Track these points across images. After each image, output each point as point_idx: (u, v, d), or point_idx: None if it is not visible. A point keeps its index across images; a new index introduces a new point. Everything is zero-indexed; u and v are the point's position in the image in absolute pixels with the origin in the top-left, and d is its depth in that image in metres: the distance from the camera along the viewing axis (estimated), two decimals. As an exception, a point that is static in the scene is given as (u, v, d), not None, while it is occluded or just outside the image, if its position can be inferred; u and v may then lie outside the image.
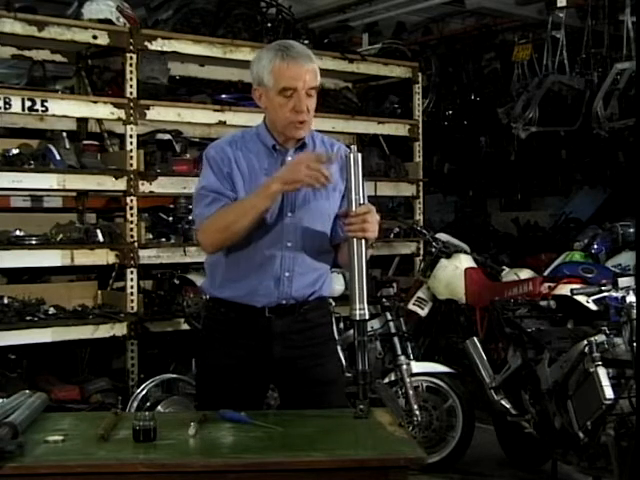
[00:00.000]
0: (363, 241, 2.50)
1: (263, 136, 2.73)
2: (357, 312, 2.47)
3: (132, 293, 5.17)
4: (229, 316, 2.74)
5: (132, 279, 5.17)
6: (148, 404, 4.57)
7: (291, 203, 2.68)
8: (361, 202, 2.50)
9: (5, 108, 4.81)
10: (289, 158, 2.69)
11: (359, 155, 2.50)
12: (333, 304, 4.94)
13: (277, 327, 2.71)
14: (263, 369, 2.73)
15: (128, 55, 5.23)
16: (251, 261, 2.68)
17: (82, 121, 5.53)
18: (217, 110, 5.61)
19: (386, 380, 4.79)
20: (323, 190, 2.67)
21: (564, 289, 4.96)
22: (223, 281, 2.74)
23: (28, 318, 4.83)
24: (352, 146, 2.58)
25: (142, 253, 5.21)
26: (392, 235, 6.56)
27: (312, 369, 2.74)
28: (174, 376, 4.84)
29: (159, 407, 4.52)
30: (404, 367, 4.78)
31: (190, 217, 5.27)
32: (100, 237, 5.11)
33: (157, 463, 2.04)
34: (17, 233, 4.92)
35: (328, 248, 2.78)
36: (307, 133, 2.71)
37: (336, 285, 5.80)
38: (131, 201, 5.19)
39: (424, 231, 6.14)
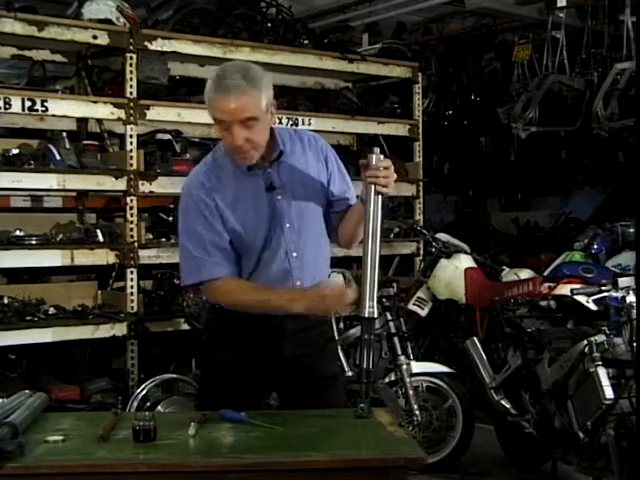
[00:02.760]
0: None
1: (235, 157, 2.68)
2: (366, 309, 2.45)
3: (132, 293, 5.16)
4: (237, 319, 2.69)
5: (132, 279, 5.16)
6: (148, 404, 4.57)
7: (286, 214, 2.66)
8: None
9: (5, 108, 4.81)
10: (269, 170, 2.66)
11: (381, 157, 2.54)
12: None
13: (289, 326, 2.69)
14: (273, 369, 2.71)
15: (128, 55, 5.23)
16: (263, 280, 2.66)
17: (82, 121, 5.53)
18: (217, 110, 5.60)
19: (386, 380, 4.79)
20: (312, 191, 2.69)
21: (564, 289, 4.96)
22: None
23: (28, 318, 4.83)
24: (375, 148, 2.58)
25: (142, 253, 5.20)
26: (392, 235, 6.56)
27: (317, 365, 2.74)
28: (174, 376, 4.85)
29: (159, 407, 4.53)
30: (404, 367, 4.78)
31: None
32: (100, 237, 5.11)
33: (157, 463, 2.04)
34: (17, 233, 4.92)
35: (326, 239, 2.80)
36: (256, 159, 2.61)
37: (336, 285, 5.80)
38: (131, 201, 5.19)
39: (424, 231, 6.14)
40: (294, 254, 2.67)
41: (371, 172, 2.50)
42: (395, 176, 2.53)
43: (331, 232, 2.81)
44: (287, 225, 2.66)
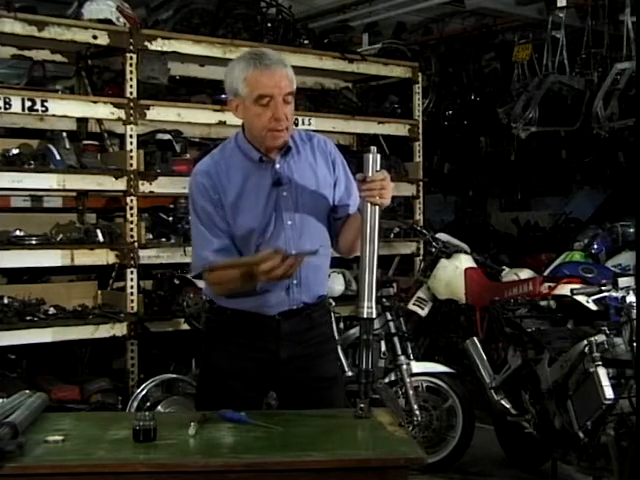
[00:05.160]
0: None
1: (246, 149, 2.70)
2: (364, 310, 2.44)
3: (132, 293, 5.16)
4: (235, 319, 2.72)
5: (132, 279, 5.16)
6: (148, 404, 4.57)
7: (288, 211, 2.67)
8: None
9: (5, 108, 4.81)
10: (277, 165, 2.68)
11: (378, 156, 2.51)
12: (333, 304, 4.95)
13: (285, 328, 2.71)
14: (268, 369, 2.72)
15: (128, 55, 5.23)
16: None
17: (82, 121, 5.54)
18: (217, 110, 5.61)
19: (386, 380, 4.79)
20: (318, 193, 2.69)
21: (564, 289, 4.96)
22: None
23: (28, 318, 4.83)
24: (372, 147, 2.56)
25: (142, 253, 5.21)
26: (392, 235, 6.56)
27: (315, 366, 2.75)
28: (174, 376, 4.84)
29: (159, 407, 4.53)
30: (404, 367, 4.78)
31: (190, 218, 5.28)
32: (100, 237, 5.12)
33: (157, 463, 2.03)
34: (17, 233, 4.92)
35: (328, 244, 2.79)
36: (286, 139, 2.67)
37: (336, 285, 5.82)
38: (131, 201, 5.19)
39: (424, 231, 6.14)
40: (292, 252, 2.66)
41: (367, 186, 2.46)
42: (392, 185, 2.50)
43: (332, 239, 2.80)
44: (289, 222, 2.67)
